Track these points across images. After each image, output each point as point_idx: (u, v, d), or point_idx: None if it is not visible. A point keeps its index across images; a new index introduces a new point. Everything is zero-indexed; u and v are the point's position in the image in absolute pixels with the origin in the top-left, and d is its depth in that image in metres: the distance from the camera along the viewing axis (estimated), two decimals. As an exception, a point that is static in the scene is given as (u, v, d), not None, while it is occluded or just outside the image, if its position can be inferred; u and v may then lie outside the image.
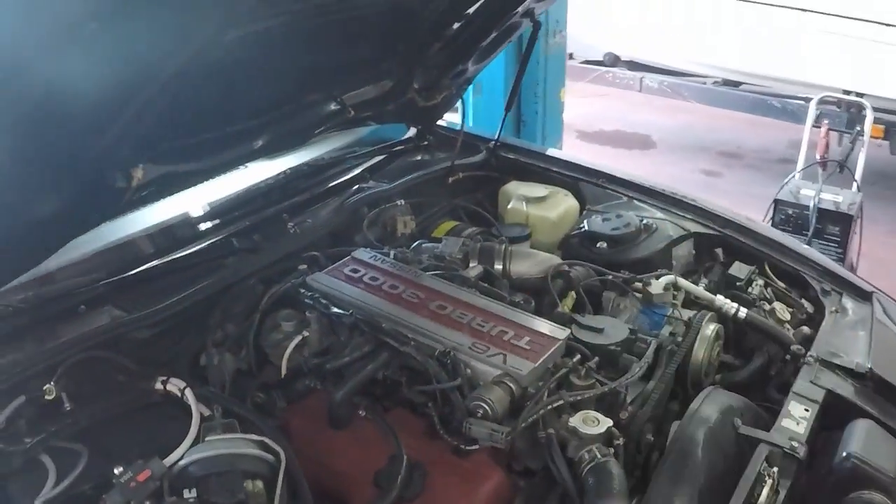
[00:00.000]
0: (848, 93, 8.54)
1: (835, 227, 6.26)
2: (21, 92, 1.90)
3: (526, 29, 3.87)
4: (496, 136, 4.26)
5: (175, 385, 2.59)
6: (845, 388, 2.87)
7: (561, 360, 2.70)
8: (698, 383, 2.95)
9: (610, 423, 2.43)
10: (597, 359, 2.72)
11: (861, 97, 8.40)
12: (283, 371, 2.79)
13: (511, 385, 2.52)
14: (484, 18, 3.54)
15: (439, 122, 4.33)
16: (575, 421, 2.42)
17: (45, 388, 2.42)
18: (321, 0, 2.81)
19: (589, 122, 11.44)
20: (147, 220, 3.23)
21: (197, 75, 2.27)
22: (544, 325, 2.81)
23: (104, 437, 2.44)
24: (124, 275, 2.95)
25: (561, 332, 2.77)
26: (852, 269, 6.31)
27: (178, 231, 3.27)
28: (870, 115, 7.74)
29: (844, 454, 2.51)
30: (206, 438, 2.35)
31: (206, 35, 2.09)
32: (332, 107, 3.45)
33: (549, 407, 2.46)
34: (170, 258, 3.10)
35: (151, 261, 3.06)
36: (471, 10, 3.47)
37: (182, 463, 2.26)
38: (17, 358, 2.48)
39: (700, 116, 11.26)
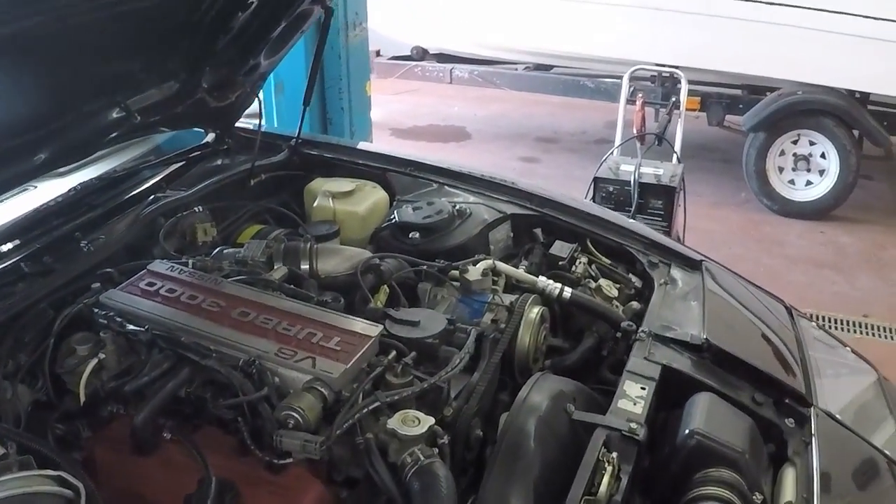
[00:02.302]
0: (662, 67, 8.66)
1: (658, 200, 6.21)
2: None
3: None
4: (296, 134, 4.08)
5: None
6: (682, 362, 2.79)
7: (376, 358, 2.55)
8: (526, 370, 2.85)
9: (431, 421, 2.29)
10: (414, 354, 2.59)
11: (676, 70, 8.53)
12: (83, 398, 2.57)
13: (322, 390, 2.36)
14: (271, 7, 3.38)
15: (240, 125, 4.15)
16: (393, 422, 2.27)
17: None
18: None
19: (401, 118, 11.41)
20: None
21: None
22: (355, 324, 2.66)
23: None
24: None
25: (373, 329, 2.62)
26: (679, 242, 6.36)
27: None
28: (685, 86, 7.84)
29: (687, 431, 2.42)
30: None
31: None
32: (116, 114, 3.24)
33: (365, 410, 2.32)
34: None
35: None
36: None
37: None
38: None
39: (514, 104, 11.33)
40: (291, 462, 2.29)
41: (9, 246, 3.14)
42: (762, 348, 3.14)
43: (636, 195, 6.16)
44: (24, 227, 3.23)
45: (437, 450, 2.27)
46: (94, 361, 2.61)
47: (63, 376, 2.67)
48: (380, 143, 9.94)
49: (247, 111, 4.06)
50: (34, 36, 2.53)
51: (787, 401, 2.77)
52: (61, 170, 3.44)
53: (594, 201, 6.22)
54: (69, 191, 3.44)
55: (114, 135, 3.32)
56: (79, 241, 3.22)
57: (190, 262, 3.07)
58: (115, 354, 2.66)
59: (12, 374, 2.65)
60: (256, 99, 4.00)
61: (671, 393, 2.68)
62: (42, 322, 2.78)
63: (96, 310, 2.76)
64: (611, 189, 6.25)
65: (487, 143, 10.55)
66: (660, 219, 6.17)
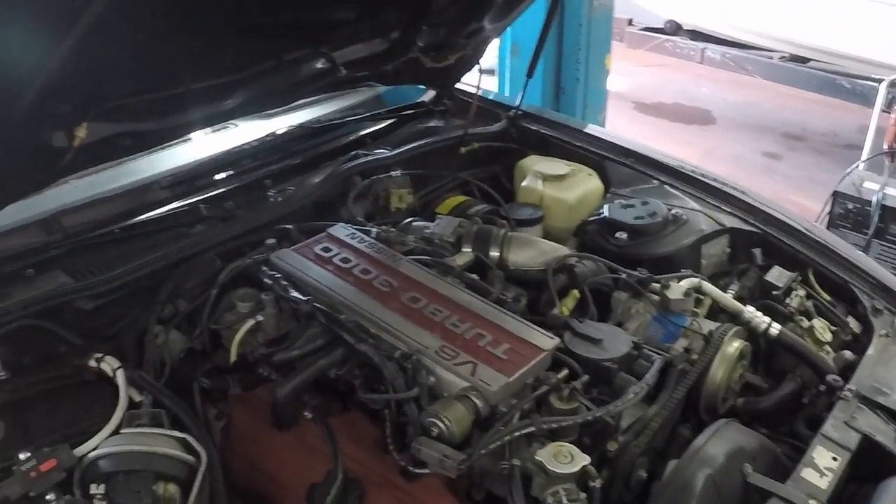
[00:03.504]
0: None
1: None
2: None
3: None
4: (517, 104, 3.85)
5: (109, 364, 2.39)
6: (887, 435, 2.40)
7: (544, 374, 2.32)
8: (714, 409, 2.57)
9: (586, 461, 2.03)
10: (586, 378, 2.35)
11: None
12: (233, 356, 2.52)
13: (477, 401, 2.17)
14: (497, -30, 3.15)
15: (463, 86, 3.96)
16: (544, 454, 2.03)
17: (-24, 354, 2.26)
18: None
19: (647, 92, 11.03)
20: (114, 180, 3.07)
21: (148, 24, 2.15)
22: (530, 332, 2.43)
23: (29, 412, 2.29)
24: (78, 238, 2.78)
25: (548, 342, 2.39)
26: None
27: (145, 194, 3.08)
28: None
29: None
30: (125, 430, 2.18)
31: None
32: (320, 65, 3.10)
33: (517, 434, 2.10)
34: (129, 223, 2.90)
35: (111, 225, 2.86)
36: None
37: (92, 455, 2.10)
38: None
39: (767, 93, 10.81)
40: (428, 472, 2.11)
41: (194, 184, 3.09)
42: None
43: (876, 218, 5.66)
44: (212, 168, 3.19)
45: (585, 494, 2.03)
46: (251, 322, 2.53)
47: (220, 330, 2.60)
48: (619, 116, 9.70)
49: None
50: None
51: None
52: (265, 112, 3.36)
53: (830, 216, 5.76)
54: (267, 135, 3.36)
55: (315, 86, 3.18)
56: (267, 189, 3.14)
57: (374, 231, 2.91)
58: (275, 318, 2.56)
59: (168, 320, 2.62)
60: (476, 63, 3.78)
61: (868, 465, 2.34)
62: (208, 271, 2.71)
63: (264, 268, 2.65)
64: (850, 206, 5.75)
65: (732, 132, 10.09)
66: (899, 249, 5.67)
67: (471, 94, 3.84)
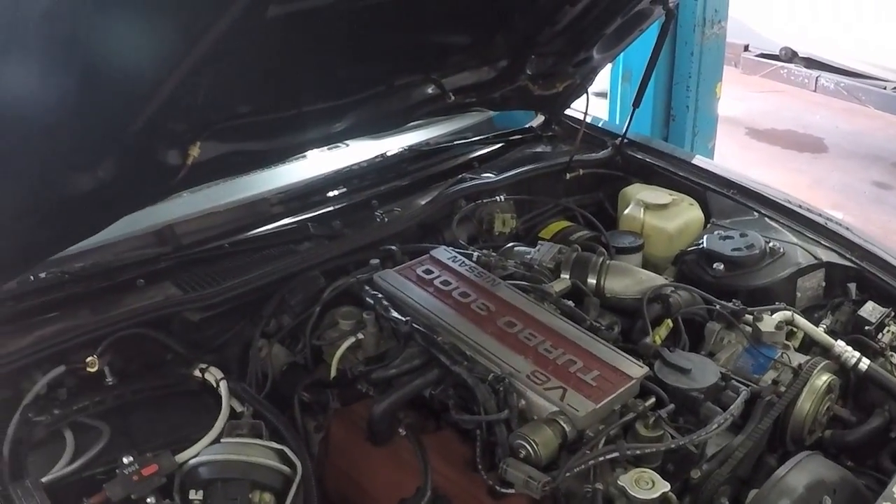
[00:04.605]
0: None
1: None
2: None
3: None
4: (623, 132, 3.90)
5: (213, 375, 2.49)
6: None
7: (632, 401, 2.37)
8: (800, 440, 2.59)
9: (666, 487, 2.08)
10: (672, 406, 2.39)
11: None
12: (333, 371, 2.59)
13: (564, 425, 2.23)
14: (606, 3, 3.22)
15: (572, 113, 4.02)
16: (625, 480, 2.09)
17: (87, 360, 2.36)
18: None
19: (761, 118, 10.91)
20: (226, 195, 3.17)
21: (264, 47, 2.23)
22: (621, 360, 2.48)
23: (134, 418, 2.41)
24: (188, 251, 2.88)
25: (637, 370, 2.44)
26: None
27: (255, 209, 3.18)
28: None
29: None
30: (225, 440, 2.25)
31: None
32: (430, 90, 3.19)
33: (601, 458, 2.15)
34: (238, 238, 3.00)
35: (221, 239, 2.97)
36: (588, -6, 3.14)
37: (193, 462, 2.19)
38: (64, 326, 2.44)
39: (881, 123, 10.63)
40: (513, 493, 2.16)
41: (304, 202, 3.18)
42: None
43: None
44: (322, 187, 3.28)
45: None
46: (351, 339, 2.62)
47: (322, 346, 2.68)
48: (732, 142, 9.63)
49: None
50: (365, 7, 2.50)
51: None
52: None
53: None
54: (376, 156, 3.44)
55: (423, 111, 3.27)
56: (374, 209, 3.21)
57: (475, 254, 2.98)
58: (375, 337, 2.65)
59: (272, 334, 2.71)
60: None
61: None
62: (312, 289, 2.79)
63: (367, 287, 2.73)
64: (961, 243, 5.68)
65: (843, 160, 9.95)
66: None
67: (578, 120, 3.88)
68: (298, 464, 2.21)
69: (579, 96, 3.86)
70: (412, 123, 3.56)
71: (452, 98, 3.20)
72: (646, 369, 2.47)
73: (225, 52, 2.03)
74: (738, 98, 10.96)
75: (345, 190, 3.33)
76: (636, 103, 3.77)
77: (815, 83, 10.44)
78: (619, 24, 3.42)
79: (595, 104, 3.98)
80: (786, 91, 11.27)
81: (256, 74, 2.46)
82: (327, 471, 2.52)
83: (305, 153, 3.36)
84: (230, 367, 2.60)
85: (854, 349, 2.82)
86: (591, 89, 3.83)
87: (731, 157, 9.04)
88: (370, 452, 2.42)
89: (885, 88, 9.99)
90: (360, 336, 2.62)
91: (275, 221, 3.12)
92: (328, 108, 2.89)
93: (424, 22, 2.88)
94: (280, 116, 2.76)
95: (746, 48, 11.50)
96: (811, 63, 10.68)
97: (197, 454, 2.20)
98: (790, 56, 10.90)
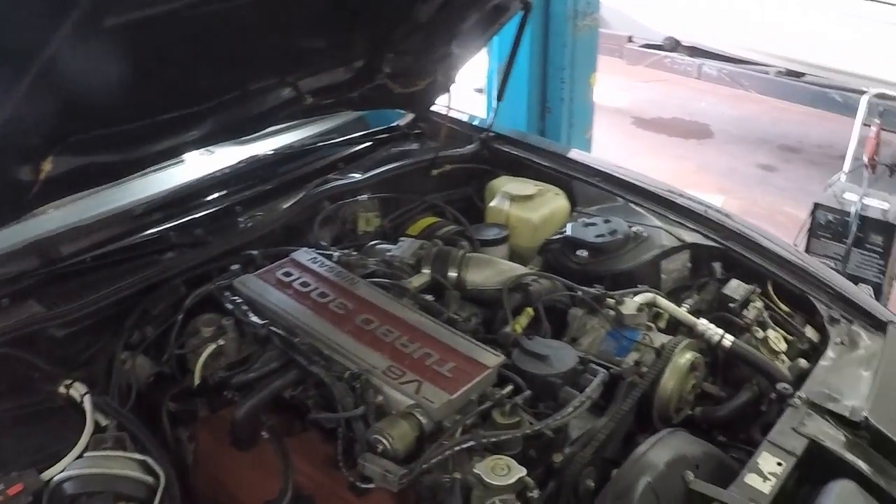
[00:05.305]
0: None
1: (878, 237, 5.70)
2: None
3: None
4: (488, 126, 3.94)
5: (77, 390, 2.47)
6: (834, 439, 2.45)
7: (490, 390, 2.38)
8: (668, 419, 2.65)
9: (522, 472, 2.09)
10: (529, 392, 2.41)
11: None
12: (197, 380, 2.58)
13: (421, 418, 2.24)
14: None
15: (440, 110, 4.04)
16: (481, 468, 2.09)
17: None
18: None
19: (647, 108, 11.08)
20: (89, 210, 3.15)
21: (109, 60, 2.22)
22: (477, 350, 2.50)
23: (1, 438, 2.36)
24: (51, 268, 2.84)
25: (493, 359, 2.46)
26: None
27: (118, 223, 3.14)
28: None
29: None
30: (88, 454, 2.24)
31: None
32: (286, 93, 3.19)
33: (457, 448, 2.16)
34: (100, 252, 2.95)
35: (84, 254, 2.92)
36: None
37: (58, 478, 2.17)
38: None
39: (765, 107, 10.84)
40: (373, 488, 2.18)
41: (167, 213, 3.17)
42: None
43: (855, 228, 5.69)
44: (186, 195, 3.26)
45: (520, 504, 2.09)
46: (212, 346, 2.61)
47: (186, 355, 2.67)
48: (619, 132, 9.75)
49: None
50: (212, 12, 2.48)
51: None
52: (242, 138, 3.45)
53: (811, 227, 5.79)
54: (239, 162, 3.42)
55: (282, 114, 3.26)
56: (238, 215, 3.21)
57: (336, 254, 2.98)
58: (236, 342, 2.65)
59: (135, 346, 2.68)
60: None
61: (817, 470, 2.38)
62: (173, 298, 2.78)
63: (226, 293, 2.74)
64: (830, 218, 5.77)
65: (729, 145, 10.12)
66: (877, 256, 5.68)
67: (444, 116, 3.92)
68: (162, 473, 2.21)
69: (444, 92, 3.88)
70: (282, 126, 3.56)
71: (310, 100, 3.21)
72: (502, 358, 2.49)
73: (69, 64, 2.02)
74: (624, 89, 11.14)
75: (210, 197, 3.30)
76: (499, 97, 3.82)
77: (699, 71, 10.60)
78: (477, 19, 3.44)
79: (475, 100, 4.01)
80: (670, 80, 11.46)
81: (108, 85, 2.41)
82: (198, 479, 2.51)
83: (172, 161, 3.34)
84: (98, 381, 2.57)
85: (718, 327, 2.88)
86: (470, 85, 3.86)
87: (617, 146, 9.19)
88: (236, 457, 2.41)
89: (767, 73, 10.17)
90: (221, 342, 2.61)
91: (140, 232, 3.09)
92: (183, 116, 2.87)
93: (278, 25, 2.86)
94: (134, 127, 2.74)
95: (630, 39, 11.65)
96: (695, 51, 10.84)
97: (62, 470, 2.19)
98: (674, 45, 11.06)
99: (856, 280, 5.44)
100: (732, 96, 10.97)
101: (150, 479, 2.20)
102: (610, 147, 8.91)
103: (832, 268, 5.18)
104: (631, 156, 8.90)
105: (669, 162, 9.29)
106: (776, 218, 7.81)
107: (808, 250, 5.68)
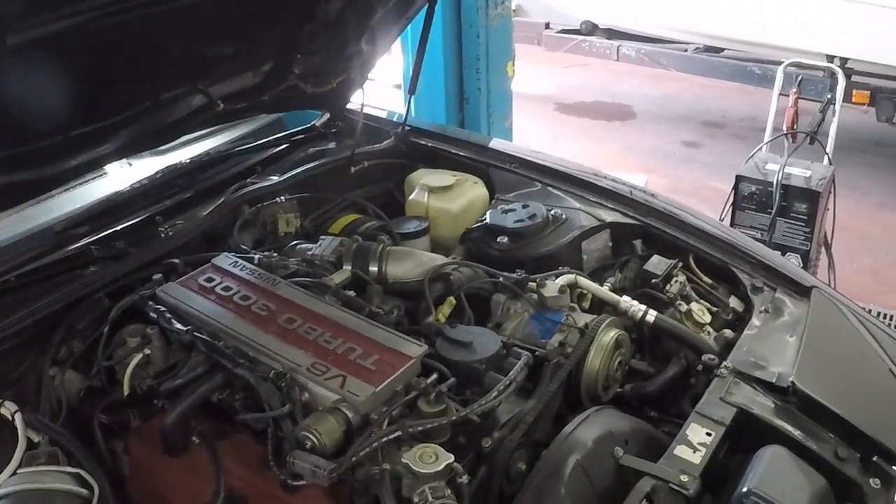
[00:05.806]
0: (831, 58, 8.17)
1: (802, 204, 5.77)
2: None
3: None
4: (403, 120, 3.98)
5: (7, 409, 2.45)
6: (762, 406, 2.50)
7: (415, 380, 2.40)
8: (596, 398, 2.69)
9: (450, 459, 2.12)
10: (453, 380, 2.44)
11: (845, 62, 8.07)
12: (126, 390, 2.57)
13: (347, 412, 2.26)
14: (362, -4, 3.26)
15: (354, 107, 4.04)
16: (409, 457, 2.12)
17: None
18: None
19: (569, 92, 11.18)
20: (9, 229, 3.18)
21: (14, 78, 2.24)
22: (399, 342, 2.53)
23: None
24: None
25: (416, 350, 2.49)
26: (826, 250, 5.97)
27: (39, 240, 3.13)
28: (842, 82, 7.22)
29: (744, 490, 2.16)
30: (21, 471, 2.25)
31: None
32: (198, 101, 3.20)
33: (385, 439, 2.19)
34: (24, 270, 2.93)
35: (8, 273, 2.90)
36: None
37: None
38: None
39: (687, 85, 10.97)
40: (304, 484, 2.19)
41: (88, 227, 3.15)
42: (862, 397, 2.76)
43: (778, 197, 5.76)
44: (106, 209, 3.25)
45: (449, 490, 2.11)
46: (139, 356, 2.61)
47: (114, 366, 2.67)
48: (542, 118, 9.82)
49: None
50: (112, 23, 2.46)
51: (874, 458, 2.42)
52: (160, 148, 3.46)
53: (735, 199, 5.87)
54: (156, 172, 3.42)
55: (196, 121, 3.27)
56: (158, 225, 3.20)
57: (257, 257, 3.00)
58: (163, 350, 2.65)
59: (64, 361, 2.68)
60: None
61: (747, 437, 2.42)
62: (98, 311, 2.77)
63: (150, 302, 2.74)
64: (753, 189, 5.82)
65: (652, 124, 10.23)
66: (803, 224, 5.75)
67: (359, 113, 3.92)
68: (95, 485, 2.22)
69: (357, 89, 3.91)
70: (199, 133, 3.57)
71: (221, 106, 3.21)
72: (425, 348, 2.51)
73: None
74: (545, 76, 11.23)
75: (130, 209, 3.29)
76: (412, 90, 3.83)
77: (617, 52, 10.64)
78: (384, 15, 3.48)
79: (394, 96, 4.04)
80: (591, 64, 11.53)
81: (17, 103, 2.43)
82: (134, 488, 2.51)
83: (93, 175, 3.36)
84: (29, 398, 2.56)
85: (642, 303, 2.94)
86: (390, 81, 3.88)
87: (541, 133, 9.27)
88: (169, 464, 2.42)
89: (686, 51, 10.24)
90: (147, 351, 2.61)
91: (61, 248, 3.07)
92: (96, 130, 2.88)
93: (185, 33, 2.86)
94: (48, 144, 2.74)
95: (547, 26, 11.69)
96: (612, 34, 10.88)
97: (-5, 489, 2.19)
98: (591, 29, 11.09)
99: (783, 249, 5.51)
100: (653, 76, 11.06)
101: (84, 491, 2.21)
102: (534, 134, 8.99)
103: (758, 238, 5.30)
104: (555, 141, 8.98)
105: (594, 145, 9.38)
106: (703, 193, 7.91)
107: (733, 223, 5.73)
